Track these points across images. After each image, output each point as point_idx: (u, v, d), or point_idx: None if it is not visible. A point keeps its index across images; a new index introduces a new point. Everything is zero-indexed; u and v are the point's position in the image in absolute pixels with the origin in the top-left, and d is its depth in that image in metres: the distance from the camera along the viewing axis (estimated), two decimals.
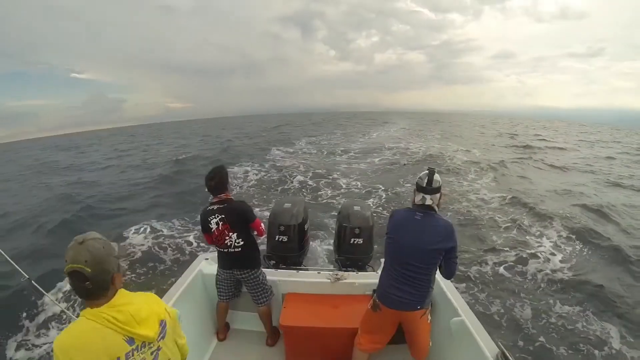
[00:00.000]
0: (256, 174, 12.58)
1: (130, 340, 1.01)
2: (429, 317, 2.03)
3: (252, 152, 18.36)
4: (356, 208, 3.10)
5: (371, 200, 9.20)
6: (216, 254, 2.53)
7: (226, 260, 2.43)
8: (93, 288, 1.00)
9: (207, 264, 2.80)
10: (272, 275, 2.66)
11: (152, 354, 1.06)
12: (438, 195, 1.87)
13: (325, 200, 9.29)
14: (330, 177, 12.01)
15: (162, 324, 1.12)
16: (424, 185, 1.85)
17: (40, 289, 2.05)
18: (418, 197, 1.89)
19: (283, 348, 2.46)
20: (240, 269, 2.43)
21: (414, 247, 1.83)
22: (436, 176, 1.85)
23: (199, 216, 2.42)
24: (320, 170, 12.90)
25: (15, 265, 2.22)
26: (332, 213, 7.44)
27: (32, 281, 2.11)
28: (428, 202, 1.85)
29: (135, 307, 1.05)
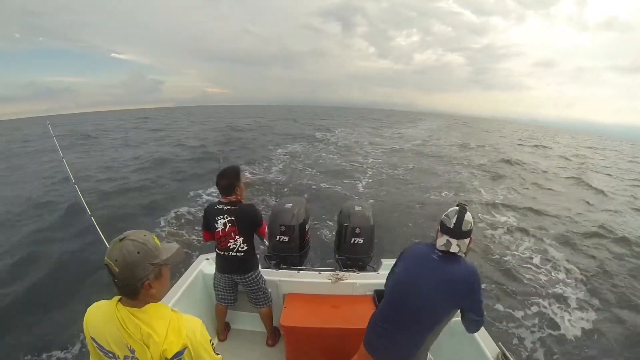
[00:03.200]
0: None
1: (132, 350, 0.98)
2: None
3: None
4: (357, 208, 3.09)
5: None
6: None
7: (226, 265, 2.40)
8: (121, 288, 0.98)
9: (207, 264, 2.80)
10: (273, 275, 2.65)
11: None
12: (467, 240, 1.49)
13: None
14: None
15: (175, 356, 1.00)
16: (451, 226, 1.47)
17: (97, 227, 2.48)
18: (441, 241, 1.50)
19: (283, 348, 2.45)
20: (241, 273, 2.40)
21: (417, 292, 1.50)
22: (467, 216, 1.48)
23: (204, 211, 2.33)
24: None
25: (84, 202, 2.77)
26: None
27: (92, 218, 2.62)
28: (454, 248, 1.48)
29: (151, 331, 0.97)
